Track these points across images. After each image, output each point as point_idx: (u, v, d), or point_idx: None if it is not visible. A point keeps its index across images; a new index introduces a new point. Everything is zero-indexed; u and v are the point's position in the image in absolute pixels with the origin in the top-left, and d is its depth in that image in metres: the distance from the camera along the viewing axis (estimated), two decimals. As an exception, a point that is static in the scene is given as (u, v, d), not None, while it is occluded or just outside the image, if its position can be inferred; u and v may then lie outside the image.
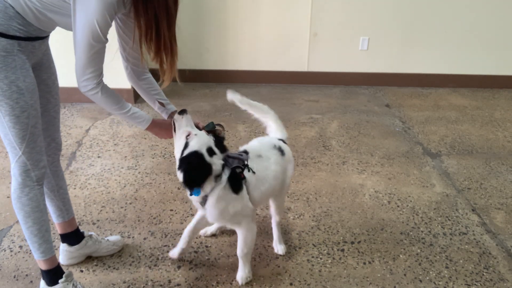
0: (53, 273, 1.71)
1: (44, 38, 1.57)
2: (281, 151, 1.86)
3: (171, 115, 1.84)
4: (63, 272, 1.73)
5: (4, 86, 1.43)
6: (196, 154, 1.61)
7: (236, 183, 1.69)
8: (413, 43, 4.59)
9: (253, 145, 1.89)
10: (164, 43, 1.51)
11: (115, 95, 1.60)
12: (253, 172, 1.73)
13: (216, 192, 1.66)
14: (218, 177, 1.65)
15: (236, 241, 2.12)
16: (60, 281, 1.71)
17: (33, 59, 1.55)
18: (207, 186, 1.65)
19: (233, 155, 1.73)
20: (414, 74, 4.73)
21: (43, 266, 1.69)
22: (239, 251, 1.85)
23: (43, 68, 1.65)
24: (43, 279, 1.73)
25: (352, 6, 4.46)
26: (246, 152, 1.80)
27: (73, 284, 1.74)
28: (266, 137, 1.99)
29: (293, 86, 4.72)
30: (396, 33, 4.56)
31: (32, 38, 1.49)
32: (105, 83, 1.55)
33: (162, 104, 1.82)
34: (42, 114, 1.66)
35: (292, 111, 3.95)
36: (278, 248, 2.06)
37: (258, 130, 3.49)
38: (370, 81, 4.75)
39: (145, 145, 3.18)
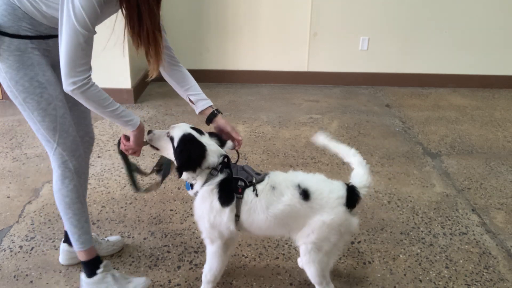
0: (92, 264, 1.74)
1: (58, 36, 1.56)
2: (304, 195, 1.53)
3: (203, 112, 1.73)
4: (102, 262, 1.76)
5: (26, 83, 1.47)
6: (185, 135, 1.55)
7: (227, 194, 1.55)
8: (413, 43, 4.59)
9: (278, 175, 1.62)
10: (147, 34, 1.44)
11: (104, 92, 1.51)
12: (256, 195, 1.54)
13: (203, 190, 1.57)
14: (213, 170, 1.55)
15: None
16: (98, 271, 1.73)
17: (51, 57, 1.55)
18: (199, 177, 1.56)
19: (246, 168, 1.62)
20: (414, 74, 4.73)
21: (83, 257, 1.73)
22: (203, 276, 1.72)
23: None
24: (83, 271, 1.76)
25: (352, 6, 4.46)
26: (266, 176, 1.61)
27: (112, 274, 1.75)
28: (311, 175, 1.63)
29: (293, 86, 4.72)
30: (396, 33, 4.56)
31: (43, 36, 1.50)
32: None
33: (191, 101, 1.74)
34: (71, 109, 1.65)
35: (292, 111, 3.95)
36: None
37: (258, 130, 3.50)
38: (370, 81, 4.75)
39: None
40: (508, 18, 4.50)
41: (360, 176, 1.62)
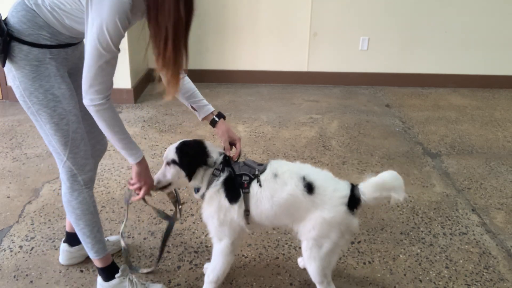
0: (109, 270, 1.74)
1: (76, 44, 1.56)
2: (308, 188, 1.54)
3: (206, 118, 1.77)
4: (118, 267, 1.76)
5: (40, 95, 1.44)
6: (177, 146, 1.62)
7: (233, 191, 1.58)
8: (413, 43, 4.59)
9: (280, 164, 1.63)
10: (169, 57, 1.42)
11: (119, 118, 1.52)
12: (260, 185, 1.57)
13: (209, 192, 1.61)
14: (216, 170, 1.60)
15: (236, 241, 2.13)
16: (116, 275, 1.73)
17: (68, 65, 1.55)
18: (202, 178, 1.61)
19: (248, 163, 1.64)
20: (414, 74, 4.73)
21: (98, 264, 1.73)
22: (206, 275, 1.72)
23: (80, 73, 1.62)
24: (99, 275, 1.76)
25: (352, 6, 4.46)
26: (266, 164, 1.63)
27: (129, 279, 1.75)
28: (319, 171, 1.64)
29: (293, 86, 4.72)
30: (396, 33, 4.56)
31: (63, 45, 1.48)
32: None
33: (193, 108, 1.77)
34: (83, 118, 1.64)
35: (292, 111, 3.95)
36: None
37: (258, 130, 3.50)
38: (370, 81, 4.75)
39: (145, 145, 3.18)
40: (508, 18, 4.50)
41: (369, 184, 1.58)
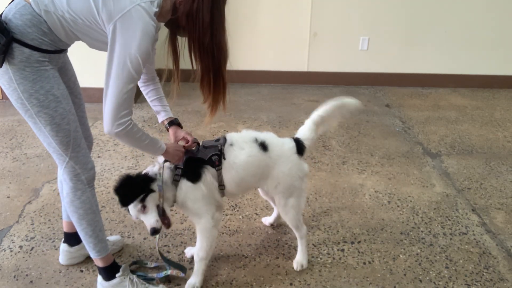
0: (110, 269, 1.75)
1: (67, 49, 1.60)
2: (263, 147, 1.77)
3: (162, 123, 1.91)
4: (119, 267, 1.76)
5: (41, 96, 1.44)
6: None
7: (194, 173, 1.71)
8: (413, 43, 4.59)
9: (233, 135, 1.83)
10: (223, 86, 1.55)
11: (139, 128, 1.56)
12: (224, 158, 1.73)
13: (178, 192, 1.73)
14: (176, 175, 1.73)
15: (236, 241, 2.13)
16: (117, 275, 1.74)
17: (59, 67, 1.57)
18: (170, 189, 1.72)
19: (208, 144, 1.77)
20: (414, 74, 4.73)
21: (100, 264, 1.73)
22: (195, 255, 1.81)
23: (63, 71, 1.64)
24: (100, 274, 1.76)
25: (352, 6, 4.46)
26: (225, 138, 1.80)
27: (129, 278, 1.75)
28: (259, 132, 1.87)
29: (293, 86, 4.72)
30: (396, 33, 4.56)
31: (58, 50, 1.50)
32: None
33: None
34: None
35: (292, 111, 3.95)
36: (294, 262, 1.97)
37: (258, 130, 3.49)
38: (370, 81, 4.75)
39: (145, 145, 3.17)
40: (508, 18, 4.50)
41: (304, 130, 1.91)
